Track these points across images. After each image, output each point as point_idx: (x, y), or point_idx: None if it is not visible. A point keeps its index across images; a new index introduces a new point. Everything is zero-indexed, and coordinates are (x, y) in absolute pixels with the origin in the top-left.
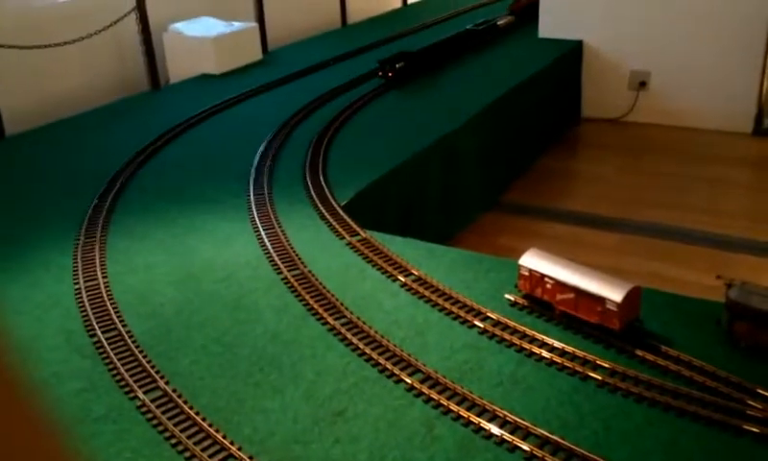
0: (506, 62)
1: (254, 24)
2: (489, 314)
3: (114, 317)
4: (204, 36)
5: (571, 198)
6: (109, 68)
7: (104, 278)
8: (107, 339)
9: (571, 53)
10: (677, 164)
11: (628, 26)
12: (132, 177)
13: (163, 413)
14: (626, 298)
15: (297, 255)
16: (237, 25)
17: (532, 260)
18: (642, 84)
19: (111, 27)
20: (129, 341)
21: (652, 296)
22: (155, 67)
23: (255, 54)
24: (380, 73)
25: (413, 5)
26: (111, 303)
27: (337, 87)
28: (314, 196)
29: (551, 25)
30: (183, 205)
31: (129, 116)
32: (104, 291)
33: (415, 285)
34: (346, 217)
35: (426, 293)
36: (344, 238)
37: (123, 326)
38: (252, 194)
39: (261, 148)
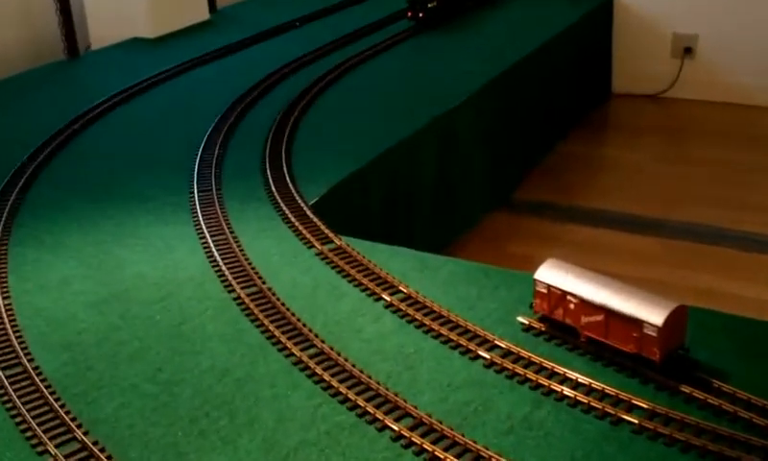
0: (520, 21)
1: None
2: (497, 342)
3: (18, 349)
4: None
5: (599, 194)
6: (13, 31)
7: (5, 298)
8: (8, 378)
9: (600, 10)
10: (732, 151)
11: None
12: (43, 168)
13: None
14: (668, 320)
15: (253, 269)
16: None
17: (551, 274)
18: (688, 51)
19: None
20: (37, 380)
21: (701, 317)
22: (71, 29)
23: (201, 12)
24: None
25: None
26: (15, 331)
27: (304, 56)
28: (275, 192)
29: None
30: (108, 204)
31: (39, 91)
32: (5, 316)
33: (403, 306)
34: (315, 219)
35: (418, 315)
36: (313, 247)
37: (29, 360)
38: (195, 190)
39: (208, 132)
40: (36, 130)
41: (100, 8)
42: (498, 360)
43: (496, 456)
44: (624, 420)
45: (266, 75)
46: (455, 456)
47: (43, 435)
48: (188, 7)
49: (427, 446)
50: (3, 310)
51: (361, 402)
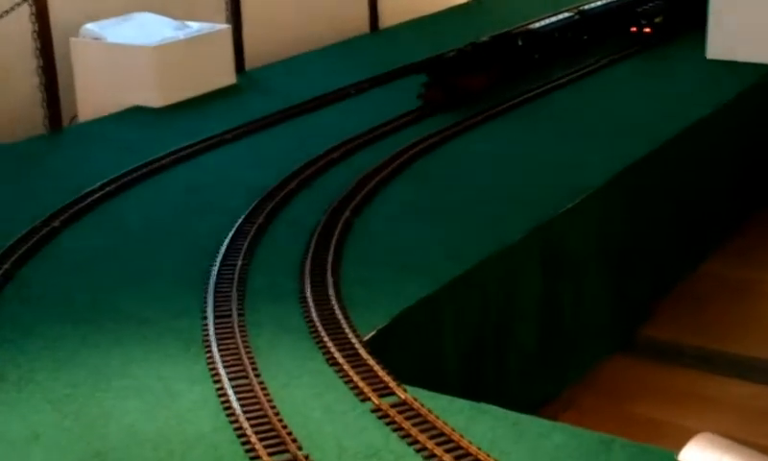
0: (646, 93)
1: (226, 26)
2: None
3: None
4: (139, 46)
5: (756, 336)
6: None
7: None
8: None
9: (762, 87)
10: None
11: None
12: (10, 279)
13: None
14: None
15: (285, 428)
16: (196, 26)
17: (703, 456)
18: None
19: None
20: None
21: None
22: (55, 96)
23: (225, 75)
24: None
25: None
26: None
27: (360, 134)
28: (316, 321)
29: (728, 41)
30: (92, 329)
31: (10, 177)
32: None
33: None
34: (371, 361)
35: None
36: (367, 400)
37: None
38: (209, 314)
39: (228, 236)
40: (4, 227)
41: (92, 66)
42: None
43: None
44: None
45: (308, 159)
46: None
47: None
48: (209, 67)
49: None
50: None
51: None
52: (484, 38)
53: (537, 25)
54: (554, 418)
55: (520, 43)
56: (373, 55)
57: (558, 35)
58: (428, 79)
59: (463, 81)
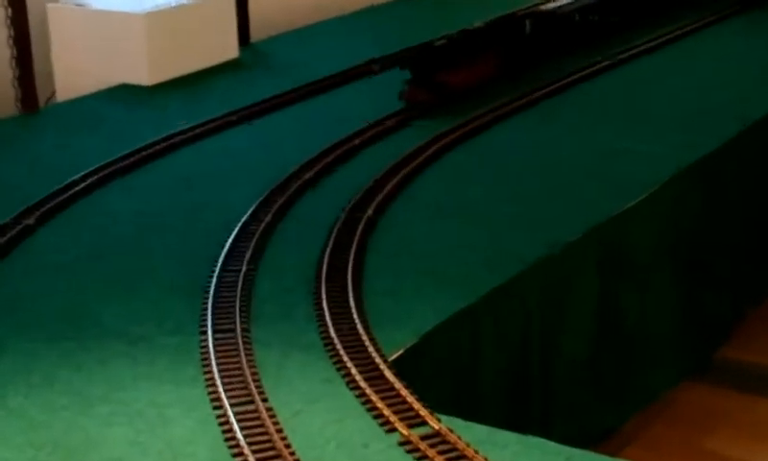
0: (727, 68)
1: None
2: None
3: None
4: (127, 13)
5: None
6: None
7: None
8: None
9: None
10: None
11: None
12: None
13: None
14: None
15: None
16: None
17: None
18: None
19: None
20: None
21: None
22: (29, 71)
23: (227, 48)
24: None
25: None
26: None
27: (385, 118)
28: (334, 338)
29: None
30: (72, 345)
31: None
32: None
33: None
34: (398, 385)
35: None
36: (394, 430)
37: None
38: (209, 329)
39: (231, 236)
40: None
41: (71, 38)
42: None
43: None
44: None
45: (324, 146)
46: None
47: None
48: (208, 39)
49: None
50: None
51: None
52: (478, 24)
53: (551, 5)
54: (614, 454)
55: (528, 29)
56: (404, 24)
57: (579, 17)
58: (411, 75)
59: (451, 77)
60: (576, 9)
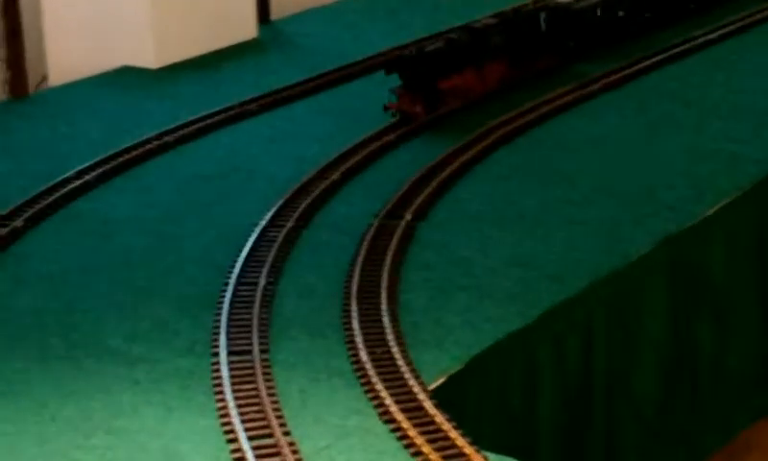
0: None
1: None
2: None
3: None
4: None
5: None
6: None
7: None
8: None
9: None
10: None
11: None
12: None
13: None
14: None
15: None
16: None
17: None
18: None
19: None
20: None
21: None
22: (19, 53)
23: (243, 27)
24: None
25: None
26: None
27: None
28: (366, 364)
29: None
30: (66, 367)
31: None
32: None
33: None
34: (440, 418)
35: None
36: None
37: None
38: (222, 351)
39: (248, 243)
40: None
41: (67, 14)
42: None
43: None
44: None
45: (354, 142)
46: None
47: None
48: (222, 17)
49: None
50: None
51: None
52: (485, 20)
53: None
54: None
55: (544, 26)
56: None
57: (602, 14)
58: (401, 81)
59: (448, 83)
60: (598, 4)
